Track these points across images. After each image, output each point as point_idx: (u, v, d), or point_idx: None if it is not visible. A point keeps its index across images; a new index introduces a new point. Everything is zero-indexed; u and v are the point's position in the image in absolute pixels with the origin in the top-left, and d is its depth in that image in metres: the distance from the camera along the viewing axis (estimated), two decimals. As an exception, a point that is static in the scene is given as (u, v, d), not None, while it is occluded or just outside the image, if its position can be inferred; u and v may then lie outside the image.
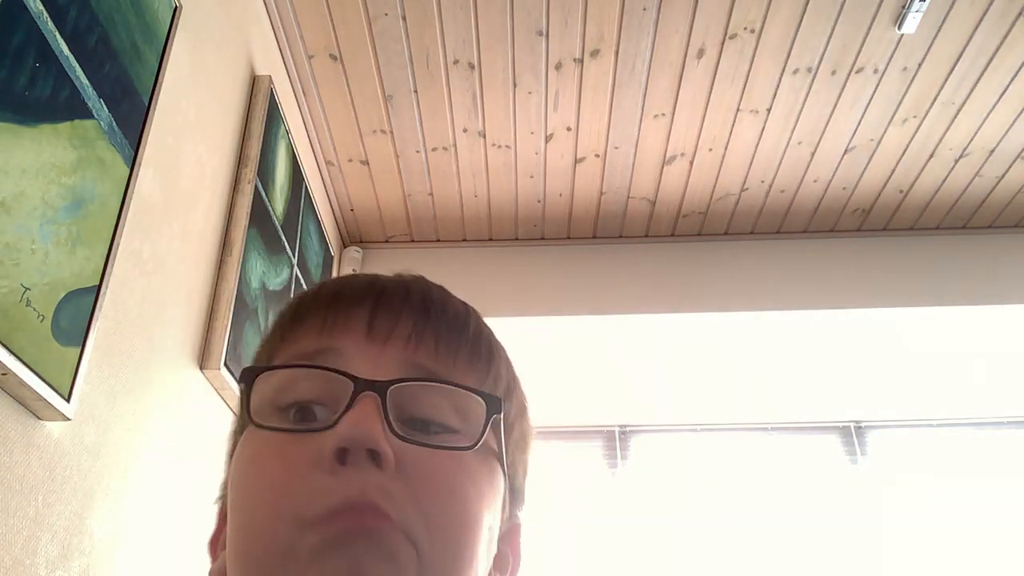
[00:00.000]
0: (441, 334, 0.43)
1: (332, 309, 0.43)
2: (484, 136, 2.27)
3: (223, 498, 0.46)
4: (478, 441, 0.39)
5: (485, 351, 0.45)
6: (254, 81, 1.76)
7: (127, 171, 1.12)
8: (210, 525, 0.46)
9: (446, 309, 0.45)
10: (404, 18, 1.90)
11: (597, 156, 2.35)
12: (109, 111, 1.07)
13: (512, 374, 0.48)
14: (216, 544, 0.46)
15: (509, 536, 0.46)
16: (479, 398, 0.41)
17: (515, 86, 2.10)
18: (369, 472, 0.36)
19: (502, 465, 0.43)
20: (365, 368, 0.40)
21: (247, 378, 0.41)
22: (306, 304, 0.45)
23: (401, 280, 0.46)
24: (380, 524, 0.35)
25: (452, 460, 0.39)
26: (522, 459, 0.48)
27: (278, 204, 1.85)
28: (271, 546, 0.35)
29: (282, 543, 0.35)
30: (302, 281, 2.04)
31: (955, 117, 2.24)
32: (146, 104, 1.18)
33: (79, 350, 0.98)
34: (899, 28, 1.93)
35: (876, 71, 2.08)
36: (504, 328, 0.53)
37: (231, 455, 0.46)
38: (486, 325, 0.48)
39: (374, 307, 0.43)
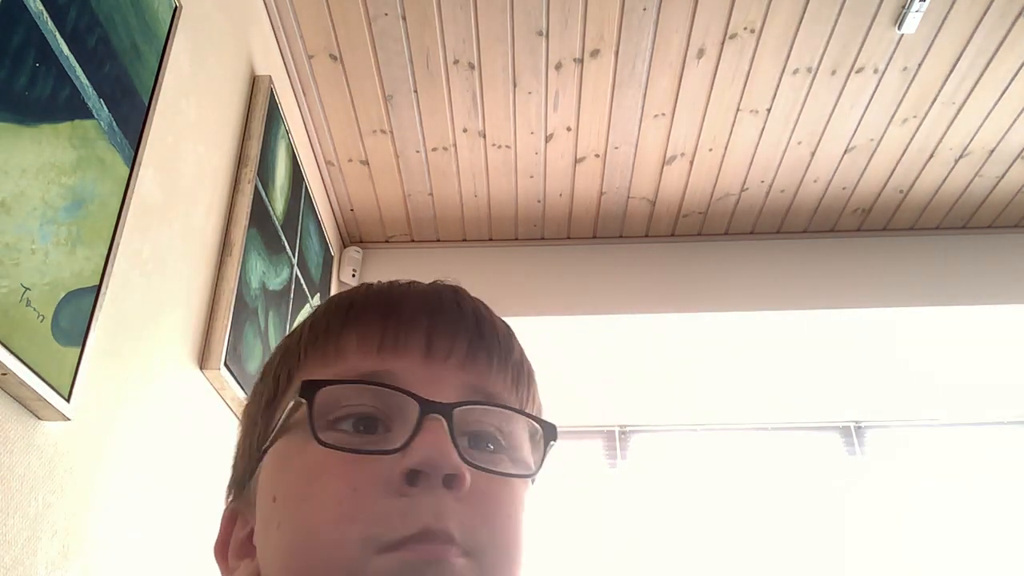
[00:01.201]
0: (493, 354, 0.43)
1: (390, 323, 0.42)
2: (484, 136, 2.27)
3: (235, 503, 0.45)
4: (539, 469, 0.42)
5: (526, 371, 0.46)
6: (254, 81, 1.76)
7: (127, 171, 1.12)
8: (209, 524, 0.46)
9: (495, 327, 0.45)
10: (404, 18, 1.90)
11: (597, 156, 2.35)
12: (109, 111, 1.07)
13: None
14: (226, 549, 0.44)
15: None
16: (537, 425, 0.43)
17: (515, 86, 2.10)
18: (442, 496, 0.37)
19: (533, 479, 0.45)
20: (424, 389, 0.40)
21: (310, 392, 0.39)
22: (357, 309, 0.44)
23: (453, 293, 0.46)
24: (451, 554, 0.36)
25: (507, 486, 0.40)
26: None
27: (278, 204, 1.85)
28: (338, 565, 0.36)
29: (351, 563, 0.35)
30: (302, 281, 2.04)
31: (955, 117, 2.24)
32: (146, 104, 1.18)
33: (79, 350, 0.98)
34: (899, 28, 1.93)
35: (876, 71, 2.08)
36: (504, 328, 0.53)
37: (243, 462, 0.45)
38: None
39: (431, 325, 0.43)
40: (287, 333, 0.49)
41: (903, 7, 1.89)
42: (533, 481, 0.44)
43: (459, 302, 0.45)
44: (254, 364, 1.63)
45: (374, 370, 0.41)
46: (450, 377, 0.41)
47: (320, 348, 0.43)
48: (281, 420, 0.41)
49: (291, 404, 0.40)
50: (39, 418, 0.94)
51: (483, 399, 0.41)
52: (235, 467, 0.47)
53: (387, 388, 0.40)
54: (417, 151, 2.32)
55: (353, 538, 0.35)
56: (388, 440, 0.39)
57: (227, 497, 0.47)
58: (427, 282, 0.47)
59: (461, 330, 0.43)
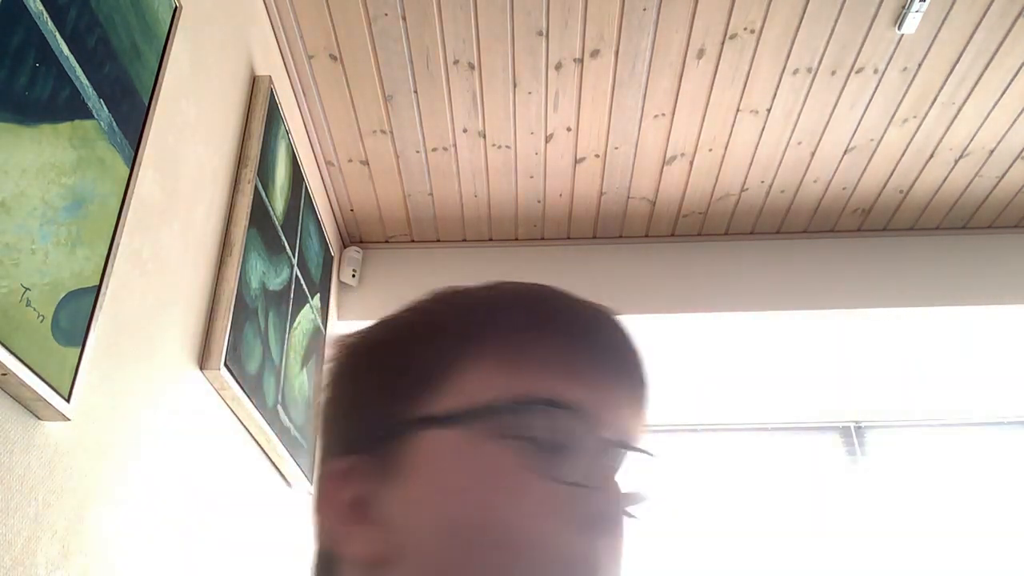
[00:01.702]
0: (646, 396, 0.47)
1: (581, 350, 0.44)
2: (484, 136, 2.27)
3: (354, 460, 0.43)
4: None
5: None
6: (254, 81, 1.76)
7: (127, 171, 1.12)
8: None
9: (646, 366, 0.48)
10: (404, 18, 1.90)
11: (597, 156, 2.35)
12: (109, 111, 1.07)
13: None
14: (331, 508, 0.43)
15: None
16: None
17: (515, 86, 2.10)
18: (608, 542, 0.40)
19: None
20: (606, 427, 0.43)
21: (533, 408, 0.41)
22: (548, 323, 0.45)
23: (623, 326, 0.48)
24: None
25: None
26: None
27: (278, 204, 1.85)
28: None
29: None
30: (302, 281, 2.04)
31: (955, 117, 2.23)
32: (146, 104, 1.18)
33: (79, 350, 0.98)
34: (899, 28, 1.93)
35: (876, 71, 2.08)
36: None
37: (376, 420, 0.44)
38: None
39: (631, 382, 0.46)
40: (444, 296, 0.47)
41: (903, 7, 1.89)
42: None
43: (630, 338, 0.48)
44: (254, 364, 1.63)
45: (578, 399, 0.42)
46: (623, 418, 0.44)
47: (502, 349, 0.43)
48: (465, 410, 0.41)
49: (489, 405, 0.41)
50: (39, 418, 0.94)
51: (635, 442, 0.45)
52: (352, 420, 0.46)
53: (620, 446, 0.43)
54: (417, 151, 2.32)
55: (546, 563, 0.38)
56: (565, 465, 0.40)
57: (330, 449, 0.46)
58: (592, 301, 0.50)
59: (635, 370, 0.46)
